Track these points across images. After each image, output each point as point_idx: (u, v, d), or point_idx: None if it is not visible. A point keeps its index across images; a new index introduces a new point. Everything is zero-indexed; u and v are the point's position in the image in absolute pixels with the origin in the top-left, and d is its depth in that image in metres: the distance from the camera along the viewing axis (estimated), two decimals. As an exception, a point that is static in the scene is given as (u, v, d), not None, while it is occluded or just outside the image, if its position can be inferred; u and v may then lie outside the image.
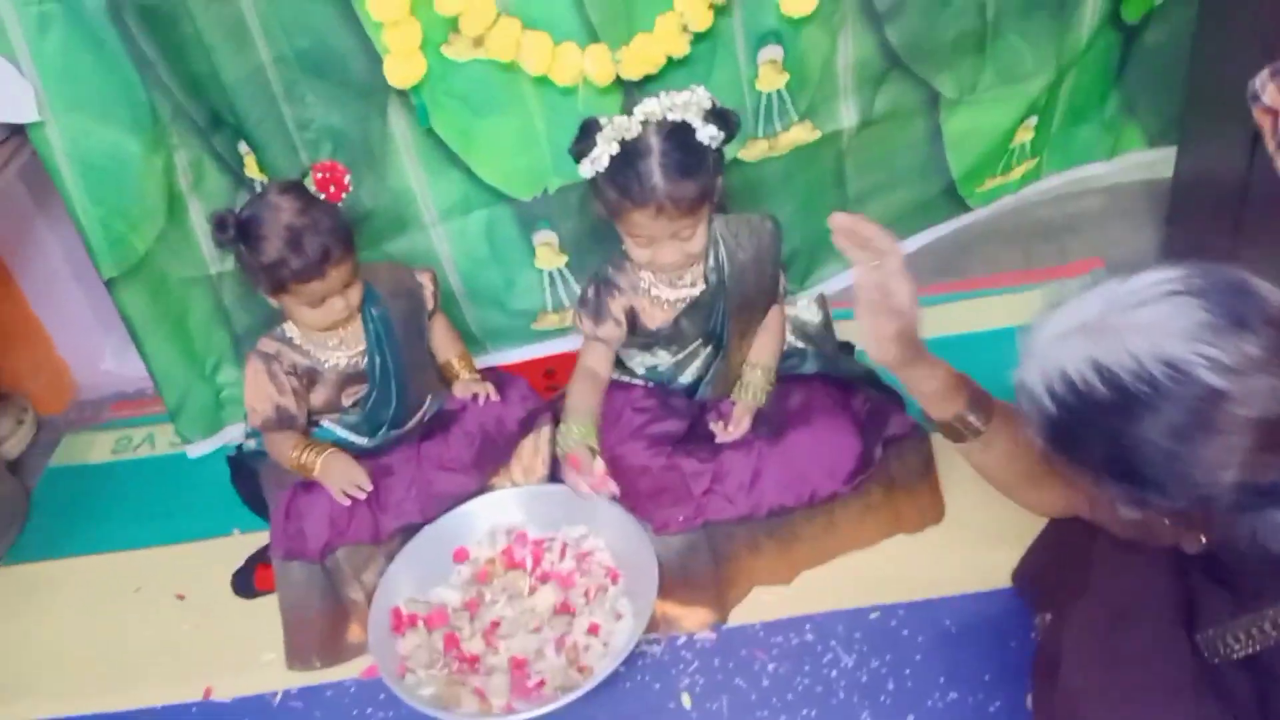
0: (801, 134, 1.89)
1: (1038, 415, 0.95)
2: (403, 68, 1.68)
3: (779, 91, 1.84)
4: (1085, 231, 2.17)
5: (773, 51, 1.79)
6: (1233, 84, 1.44)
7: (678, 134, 1.45)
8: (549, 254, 1.97)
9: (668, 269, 1.55)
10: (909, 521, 1.64)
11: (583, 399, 1.61)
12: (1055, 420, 0.94)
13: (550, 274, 1.99)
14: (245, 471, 1.78)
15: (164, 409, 1.96)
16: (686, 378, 1.68)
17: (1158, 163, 2.15)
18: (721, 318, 1.61)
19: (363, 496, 1.58)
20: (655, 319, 1.61)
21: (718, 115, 1.47)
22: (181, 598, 1.75)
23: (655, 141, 1.44)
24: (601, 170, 1.46)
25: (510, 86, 1.75)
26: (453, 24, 1.66)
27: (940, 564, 1.59)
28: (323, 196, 1.53)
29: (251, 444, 1.72)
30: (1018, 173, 2.10)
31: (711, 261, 1.58)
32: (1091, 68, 2.00)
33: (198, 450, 1.97)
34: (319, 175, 1.53)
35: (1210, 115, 1.89)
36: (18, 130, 1.67)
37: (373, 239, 1.85)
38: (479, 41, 1.68)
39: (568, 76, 1.70)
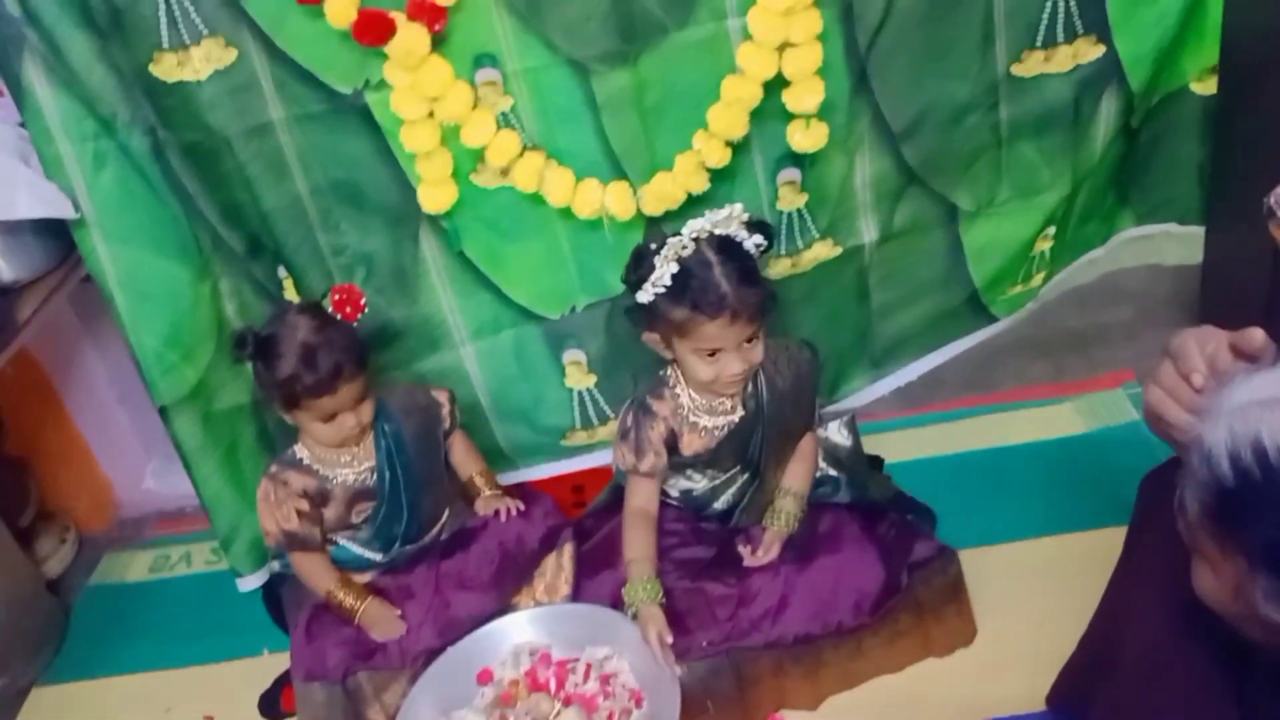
0: (823, 250, 1.93)
1: (1211, 482, 0.86)
2: (436, 195, 1.74)
3: (799, 210, 1.88)
4: (1115, 342, 2.16)
5: (790, 174, 1.84)
6: (1256, 176, 1.44)
7: (729, 246, 1.49)
8: (578, 373, 2.01)
9: (733, 384, 1.54)
10: (938, 645, 1.61)
11: (641, 548, 1.60)
12: (1229, 491, 0.85)
13: (579, 393, 2.02)
14: (276, 593, 1.81)
15: (203, 527, 1.98)
16: (721, 504, 1.69)
17: (1146, 239, 2.17)
18: (760, 445, 1.62)
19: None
20: (693, 445, 1.61)
21: (757, 226, 1.52)
22: (210, 719, 1.75)
23: (711, 254, 1.48)
24: (663, 291, 1.48)
25: (537, 213, 1.81)
26: (480, 155, 1.73)
27: (972, 687, 1.55)
28: (339, 317, 1.58)
29: (277, 566, 1.75)
30: (1037, 280, 2.11)
31: (750, 388, 1.60)
32: (1102, 175, 2.03)
33: (249, 584, 1.98)
34: (336, 297, 1.60)
35: (1235, 212, 1.88)
36: (65, 258, 1.75)
37: (404, 359, 1.90)
38: (505, 172, 1.74)
39: (588, 210, 1.75)
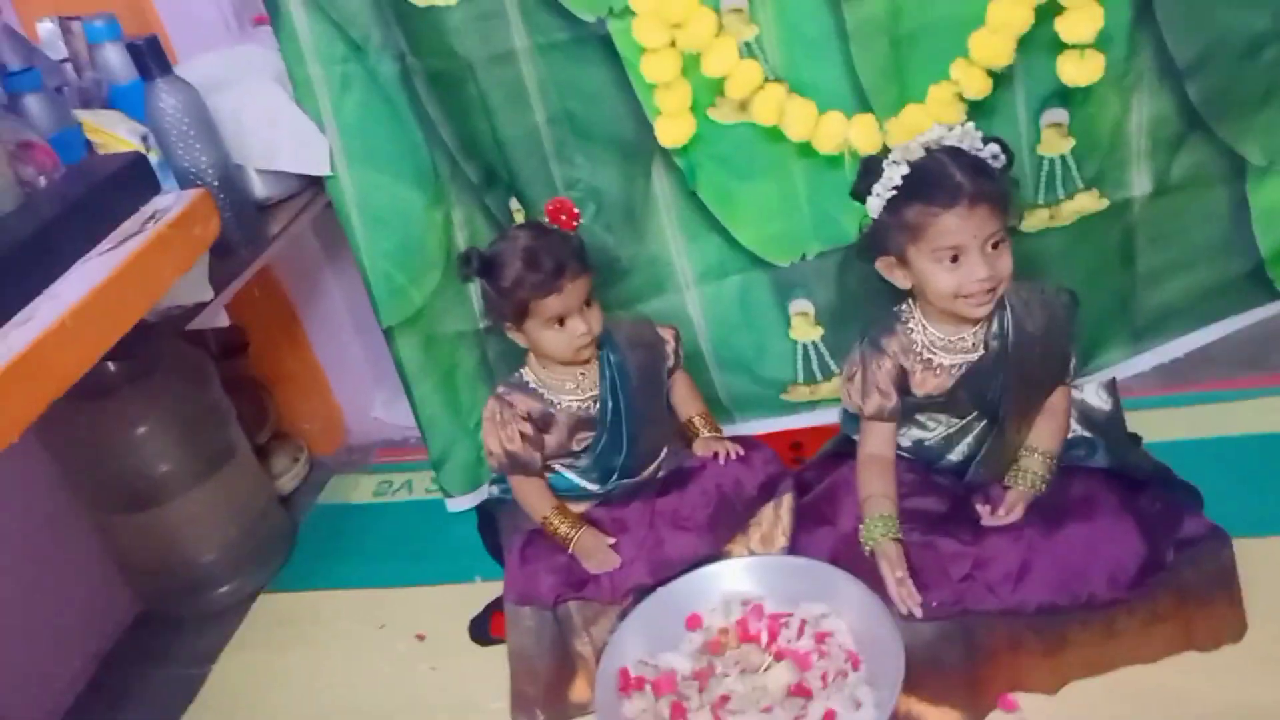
0: (1087, 203, 1.75)
1: None
2: (674, 128, 1.69)
3: (1063, 157, 1.71)
4: None
5: (1057, 114, 1.68)
6: None
7: (962, 152, 1.40)
8: (804, 325, 1.91)
9: (980, 298, 1.42)
10: (1202, 637, 1.44)
11: (878, 485, 1.51)
12: None
13: (804, 345, 1.93)
14: (491, 521, 1.81)
15: (424, 457, 2.02)
16: (956, 455, 1.55)
17: None
18: (1001, 390, 1.49)
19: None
20: (927, 384, 1.50)
21: (997, 142, 1.42)
22: (421, 638, 1.78)
23: (943, 156, 1.40)
24: (893, 194, 1.41)
25: (774, 151, 1.73)
26: (719, 87, 1.66)
27: (1236, 689, 1.38)
28: (556, 227, 1.58)
29: (495, 491, 1.74)
30: (1339, 252, 1.86)
31: (995, 327, 1.47)
32: None
33: (457, 505, 2.01)
34: (550, 208, 1.57)
35: None
36: (313, 182, 1.80)
37: (628, 300, 1.86)
38: (744, 105, 1.67)
39: (831, 145, 1.65)
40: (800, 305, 1.90)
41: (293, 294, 2.20)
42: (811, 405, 2.00)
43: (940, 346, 1.49)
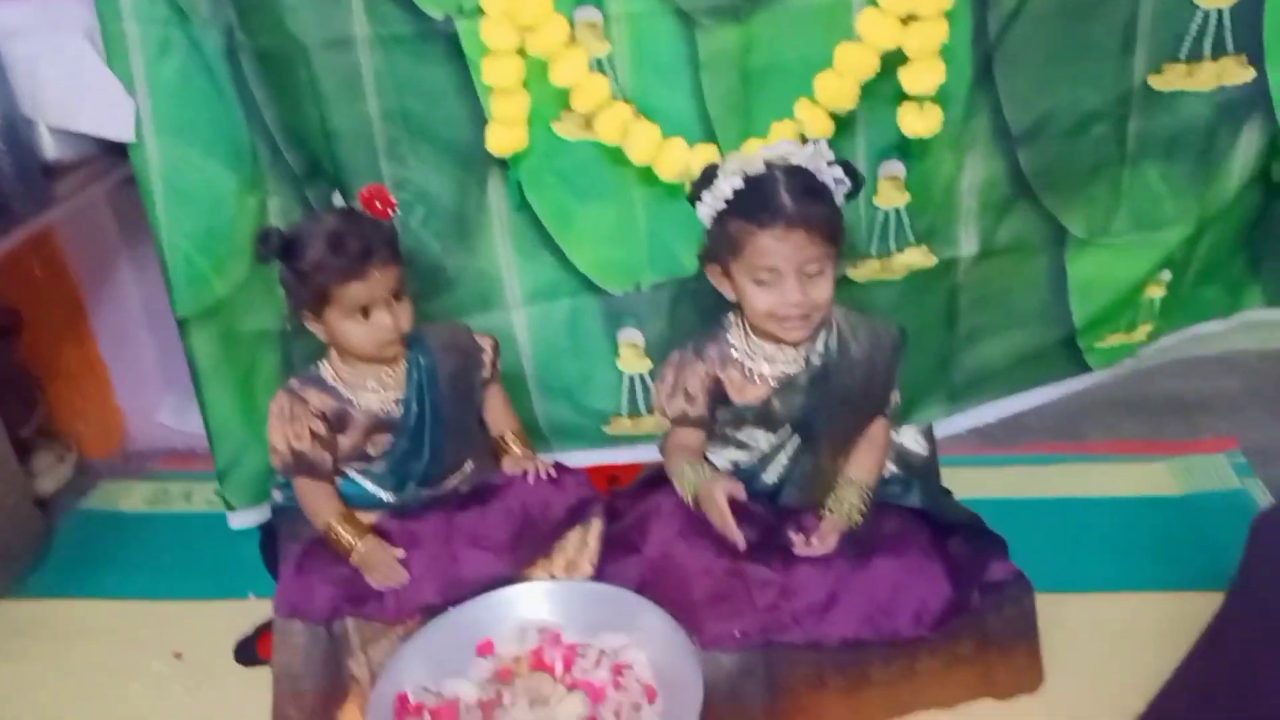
0: (917, 258, 1.78)
1: None
2: (504, 137, 1.64)
3: (897, 210, 1.74)
4: (1219, 411, 1.99)
5: (894, 167, 1.71)
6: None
7: (802, 171, 1.38)
8: (633, 356, 1.86)
9: (794, 321, 1.39)
10: (1000, 684, 1.42)
11: (683, 455, 1.49)
12: None
13: (631, 377, 1.88)
14: (274, 539, 1.65)
15: (209, 469, 1.85)
16: (770, 476, 1.50)
17: (1276, 325, 2.01)
18: (819, 408, 1.45)
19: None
20: (746, 394, 1.46)
21: (842, 164, 1.40)
22: (179, 657, 1.60)
23: (779, 174, 1.37)
24: (723, 205, 1.39)
25: (615, 174, 1.70)
26: (565, 100, 1.62)
27: (1034, 738, 1.35)
28: (381, 217, 1.47)
29: (279, 497, 1.60)
30: (1141, 332, 1.95)
31: (819, 345, 1.44)
32: (1232, 226, 1.87)
33: (240, 521, 1.85)
34: (365, 194, 1.47)
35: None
36: (114, 149, 1.65)
37: (451, 314, 1.77)
38: (589, 122, 1.64)
39: (672, 172, 1.64)
40: (630, 335, 1.85)
41: (81, 279, 2.01)
42: (633, 440, 1.94)
43: (761, 356, 1.46)
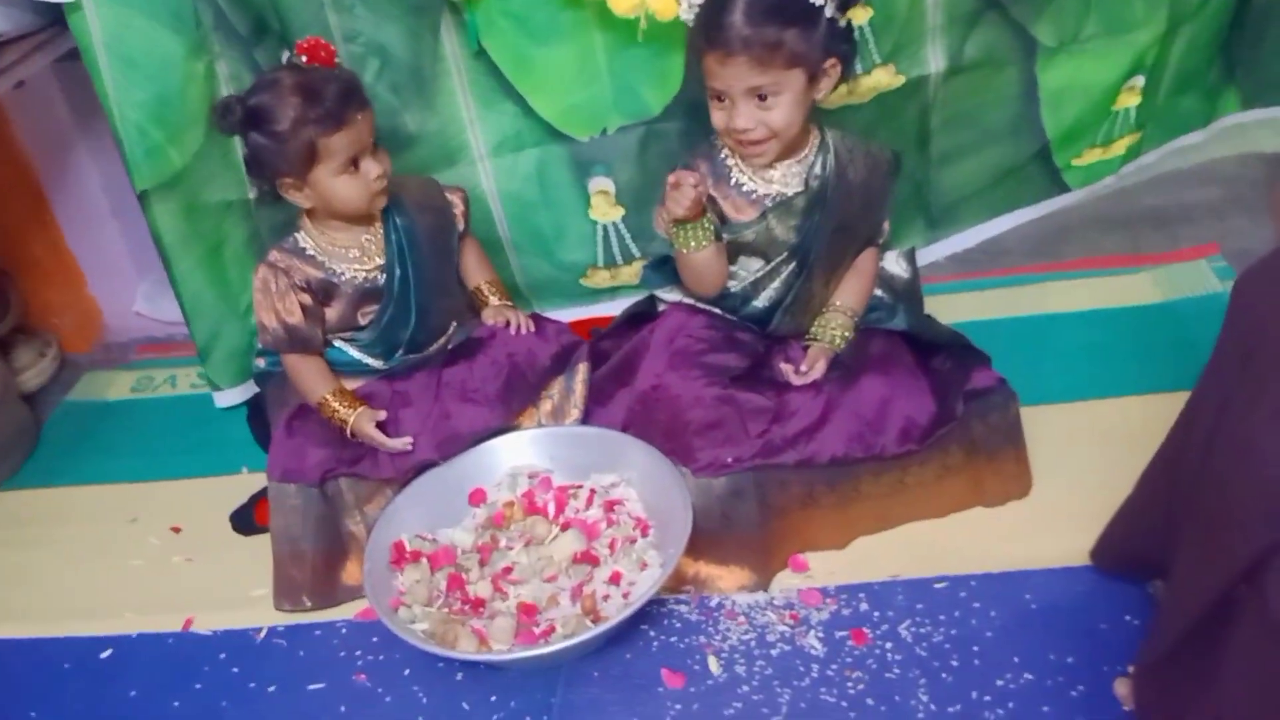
0: (884, 78, 1.73)
1: None
2: (456, -25, 1.57)
3: (860, 28, 1.68)
4: (1200, 221, 1.96)
5: (856, -18, 1.65)
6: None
7: None
8: (604, 204, 1.83)
9: (745, 141, 1.36)
10: (990, 492, 1.43)
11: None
12: None
13: (605, 227, 1.85)
14: (261, 412, 1.65)
15: (190, 354, 1.85)
16: (761, 301, 1.48)
17: (1253, 127, 1.97)
18: (815, 232, 1.41)
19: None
20: (741, 211, 1.43)
21: None
22: (177, 530, 1.62)
23: None
24: (695, 10, 1.33)
25: (572, 12, 1.63)
26: (514, -64, 1.55)
27: (1022, 540, 1.38)
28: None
29: (262, 364, 1.58)
30: (1120, 146, 1.91)
31: (818, 169, 1.41)
32: (1206, 26, 1.82)
33: (226, 399, 1.85)
34: (304, 45, 1.40)
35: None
36: (54, 20, 1.59)
37: (416, 170, 1.73)
38: (541, -44, 1.57)
39: (626, 5, 1.57)
40: (600, 183, 1.81)
41: (39, 170, 1.96)
42: (613, 292, 1.92)
43: (751, 174, 1.42)
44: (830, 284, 1.48)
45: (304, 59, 1.40)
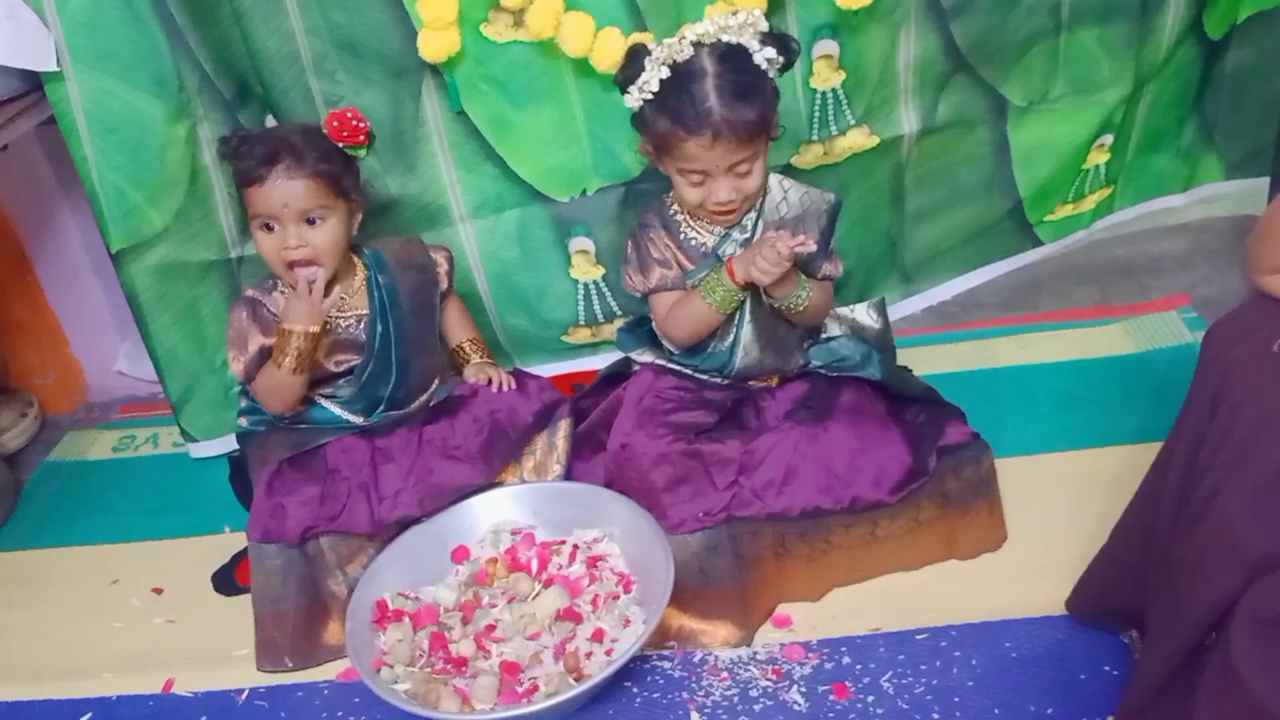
0: (858, 139, 1.77)
1: None
2: (436, 42, 1.60)
3: (834, 91, 1.73)
4: (1168, 272, 2.00)
5: (828, 46, 1.69)
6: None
7: (733, 57, 1.33)
8: (585, 263, 1.86)
9: (722, 211, 1.39)
10: (963, 545, 1.45)
11: (689, 295, 1.45)
12: None
13: (585, 285, 1.88)
14: (243, 470, 1.65)
15: (172, 412, 1.85)
16: (738, 362, 1.49)
17: (1235, 197, 2.02)
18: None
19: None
20: (692, 261, 1.46)
21: (775, 38, 1.35)
22: (159, 591, 1.61)
23: (709, 64, 1.32)
24: (650, 98, 1.34)
25: (551, 74, 1.67)
26: (493, 1, 1.59)
27: (1000, 590, 1.39)
28: (337, 140, 1.44)
29: (244, 424, 1.59)
30: (1090, 201, 1.96)
31: (753, 213, 1.45)
32: (1171, 85, 1.88)
33: (201, 451, 1.86)
34: (333, 123, 1.43)
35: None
36: (34, 87, 1.62)
37: (398, 231, 1.75)
38: (518, 21, 1.61)
39: (608, 62, 1.61)
40: (581, 243, 1.84)
41: (21, 231, 1.97)
42: (594, 348, 1.95)
43: (701, 227, 1.46)
44: (786, 322, 1.48)
45: (333, 125, 1.43)
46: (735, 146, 1.32)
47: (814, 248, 1.39)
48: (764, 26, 1.34)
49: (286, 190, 1.40)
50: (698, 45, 1.34)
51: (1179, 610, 0.96)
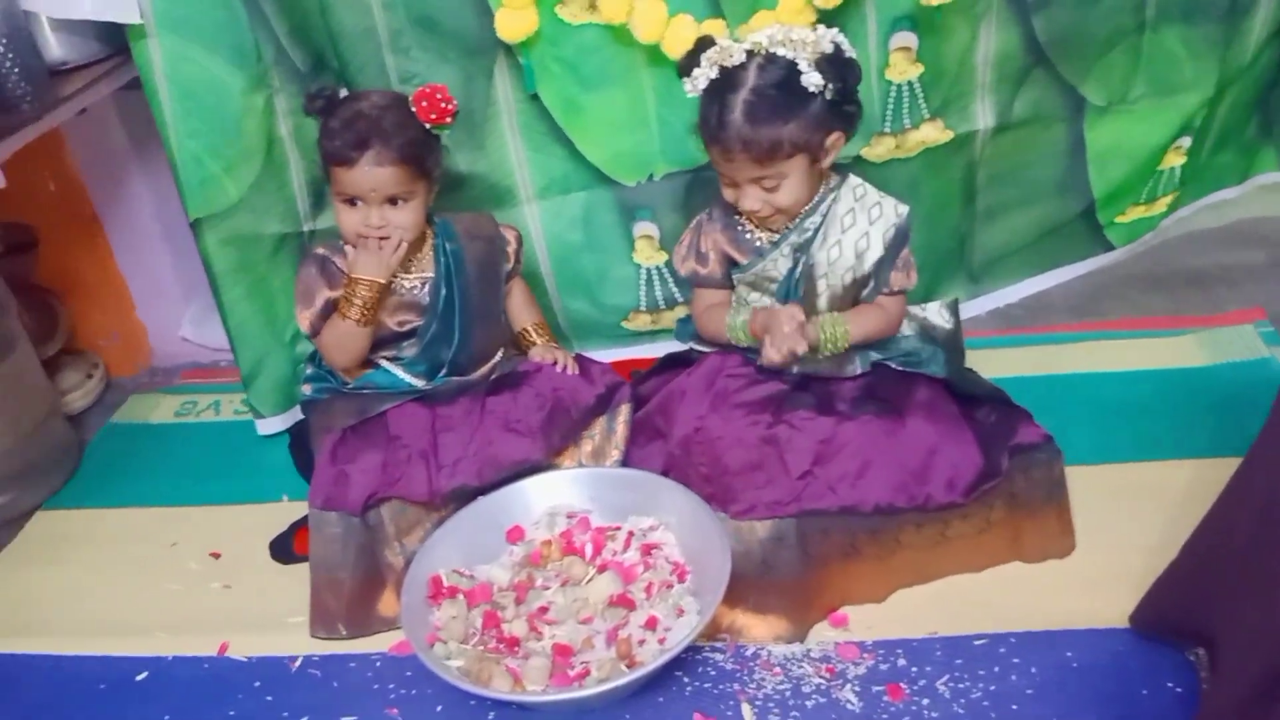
0: (932, 133, 1.75)
1: None
2: (514, 21, 1.61)
3: (910, 83, 1.70)
4: (1241, 284, 1.95)
5: (906, 38, 1.67)
6: None
7: (780, 72, 1.32)
8: (648, 248, 1.85)
9: (752, 216, 1.43)
10: (1030, 548, 1.42)
11: (716, 313, 1.51)
12: None
13: (648, 270, 1.87)
14: (304, 442, 1.66)
15: (235, 379, 1.87)
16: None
17: None
18: (804, 275, 1.46)
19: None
20: (746, 255, 1.49)
21: (835, 63, 1.32)
22: (216, 556, 1.62)
23: (751, 76, 1.33)
24: (699, 94, 1.38)
25: (623, 58, 1.67)
26: (568, -19, 1.59)
27: (1062, 599, 1.36)
28: (425, 121, 1.47)
29: (308, 391, 1.60)
30: (1162, 204, 1.92)
31: (815, 217, 1.45)
32: (1250, 87, 1.83)
33: (268, 427, 1.87)
34: (422, 103, 1.45)
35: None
36: (118, 50, 1.63)
37: (463, 208, 1.75)
38: (593, 4, 1.60)
39: (679, 49, 1.59)
40: (645, 228, 1.84)
41: (93, 192, 1.99)
42: (653, 335, 1.94)
43: (757, 225, 1.48)
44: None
45: (422, 105, 1.46)
46: (750, 164, 1.34)
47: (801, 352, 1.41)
48: (827, 49, 1.32)
49: (374, 176, 1.43)
50: (751, 53, 1.33)
51: (1262, 634, 0.93)
